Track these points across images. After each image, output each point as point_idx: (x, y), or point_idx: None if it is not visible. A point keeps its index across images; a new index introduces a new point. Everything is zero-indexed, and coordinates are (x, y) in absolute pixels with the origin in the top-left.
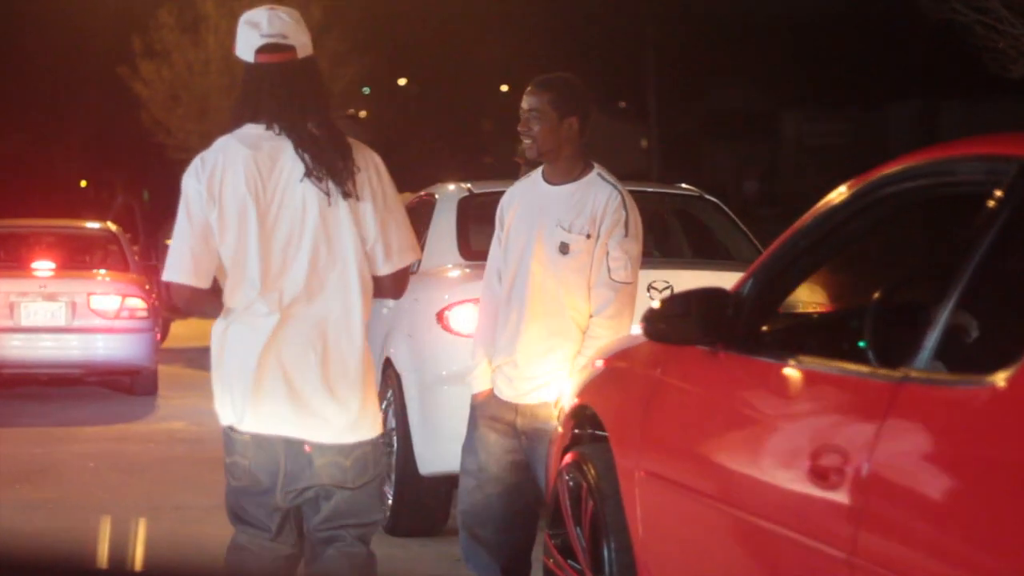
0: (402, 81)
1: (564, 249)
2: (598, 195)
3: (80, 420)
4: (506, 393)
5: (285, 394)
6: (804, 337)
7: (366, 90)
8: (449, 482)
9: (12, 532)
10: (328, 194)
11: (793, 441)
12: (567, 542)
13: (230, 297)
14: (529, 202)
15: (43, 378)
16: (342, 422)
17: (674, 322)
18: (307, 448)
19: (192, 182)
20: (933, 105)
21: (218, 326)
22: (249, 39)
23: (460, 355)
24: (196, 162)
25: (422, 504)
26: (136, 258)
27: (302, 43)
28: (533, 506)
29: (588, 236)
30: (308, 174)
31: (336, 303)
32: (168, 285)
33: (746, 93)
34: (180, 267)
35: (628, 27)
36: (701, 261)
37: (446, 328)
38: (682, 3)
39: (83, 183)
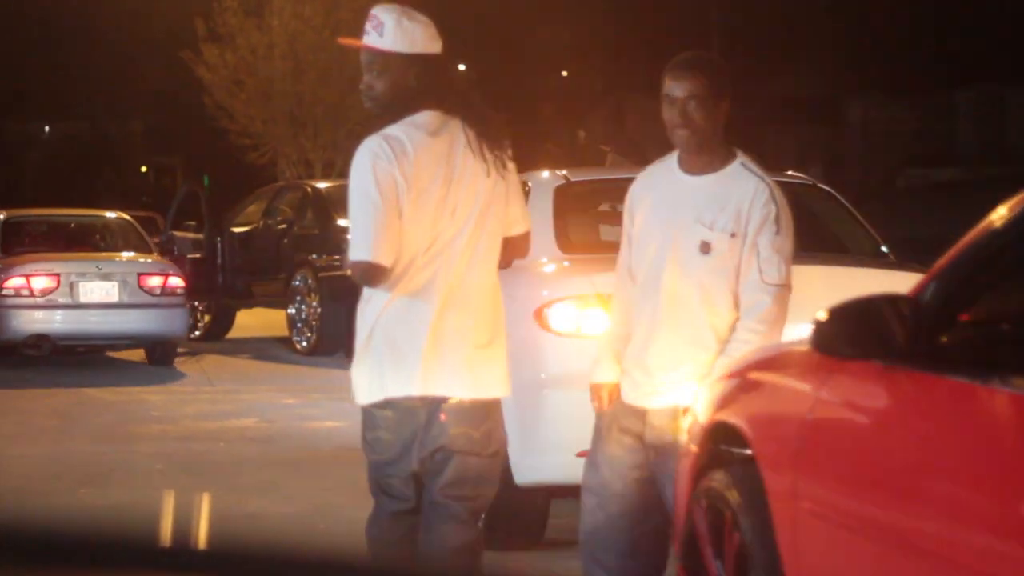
0: (460, 67)
1: (705, 249)
2: (743, 187)
3: (146, 417)
4: (631, 396)
5: (446, 356)
6: (1002, 352)
7: None
8: (546, 493)
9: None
10: (490, 167)
11: (996, 478)
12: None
13: (398, 273)
14: (664, 194)
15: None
16: (489, 379)
17: (843, 333)
18: (443, 416)
19: (382, 164)
20: (1000, 90)
21: (373, 304)
22: (435, 33)
23: (560, 356)
24: (376, 145)
25: (517, 516)
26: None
27: None
28: (662, 530)
29: (733, 234)
30: (476, 151)
31: (486, 269)
32: (358, 265)
33: (810, 78)
34: (374, 247)
35: (690, 11)
36: (822, 256)
37: (544, 327)
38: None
39: (143, 168)
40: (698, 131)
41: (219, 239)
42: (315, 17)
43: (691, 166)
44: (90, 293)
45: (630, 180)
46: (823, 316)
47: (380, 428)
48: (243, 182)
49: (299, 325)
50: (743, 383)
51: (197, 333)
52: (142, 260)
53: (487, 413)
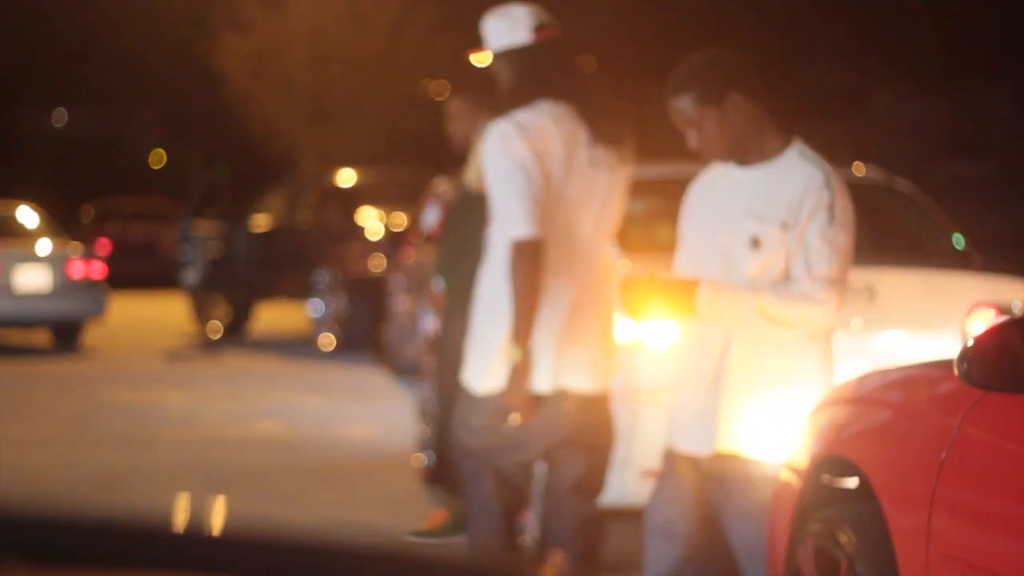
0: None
1: (755, 243)
2: (797, 175)
3: (165, 420)
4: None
5: (579, 348)
6: None
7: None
8: (616, 517)
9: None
10: (610, 159)
11: None
12: None
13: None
14: (716, 192)
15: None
16: (606, 369)
17: (982, 362)
18: (569, 405)
19: (518, 145)
20: None
21: (494, 292)
22: (521, 23)
23: (627, 367)
24: (510, 128)
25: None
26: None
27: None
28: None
29: (784, 226)
30: (596, 141)
31: (605, 258)
32: (520, 244)
33: (836, 70)
34: (529, 221)
35: (715, 5)
36: (906, 259)
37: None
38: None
39: (159, 153)
40: (716, 145)
41: (240, 232)
42: (338, 7)
43: (743, 159)
44: (22, 279)
45: (695, 175)
46: (969, 342)
47: (497, 416)
48: (262, 173)
49: (323, 322)
50: (859, 412)
51: (216, 328)
52: (71, 247)
53: (606, 403)
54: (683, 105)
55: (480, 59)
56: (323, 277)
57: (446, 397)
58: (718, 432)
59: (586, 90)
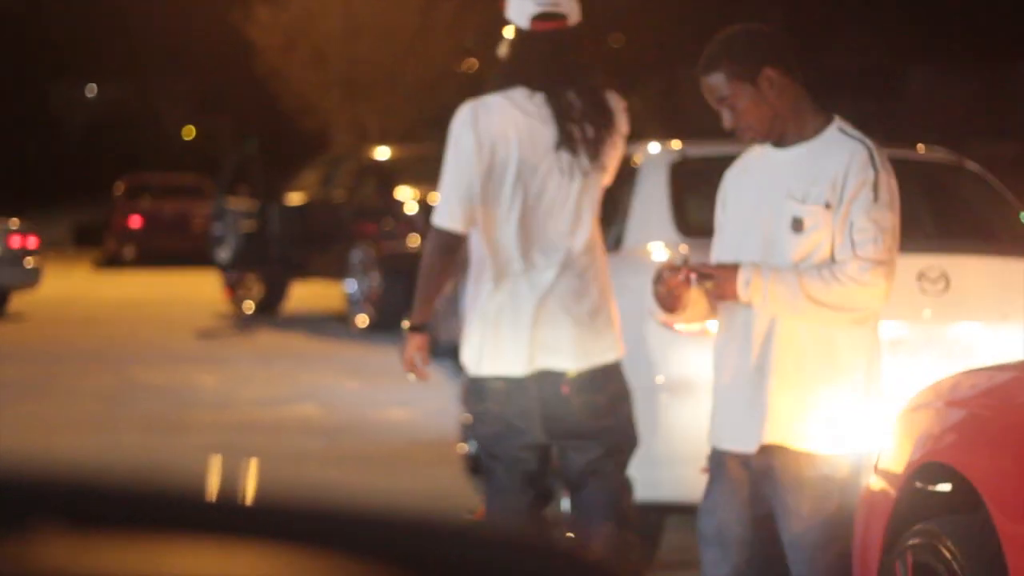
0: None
1: (798, 226)
2: (838, 153)
3: (199, 402)
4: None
5: (553, 328)
6: None
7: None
8: (661, 513)
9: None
10: (580, 164)
11: None
12: None
13: (498, 256)
14: (754, 175)
15: None
16: (597, 346)
17: None
18: (564, 389)
19: (467, 132)
20: None
21: (485, 285)
22: (524, 5)
23: (682, 357)
24: (468, 112)
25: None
26: None
27: (573, 10)
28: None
29: (827, 206)
30: (563, 144)
31: (588, 258)
32: (436, 230)
33: (869, 48)
34: (450, 213)
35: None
36: (980, 245)
37: (664, 323)
38: None
39: (190, 128)
40: (754, 124)
41: (273, 208)
42: None
43: (782, 138)
44: None
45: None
46: None
47: (488, 400)
48: (295, 148)
49: (358, 301)
50: (961, 415)
51: (249, 306)
52: (11, 221)
53: (607, 378)
54: (715, 82)
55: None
56: (358, 254)
57: None
58: (764, 424)
59: (561, 92)
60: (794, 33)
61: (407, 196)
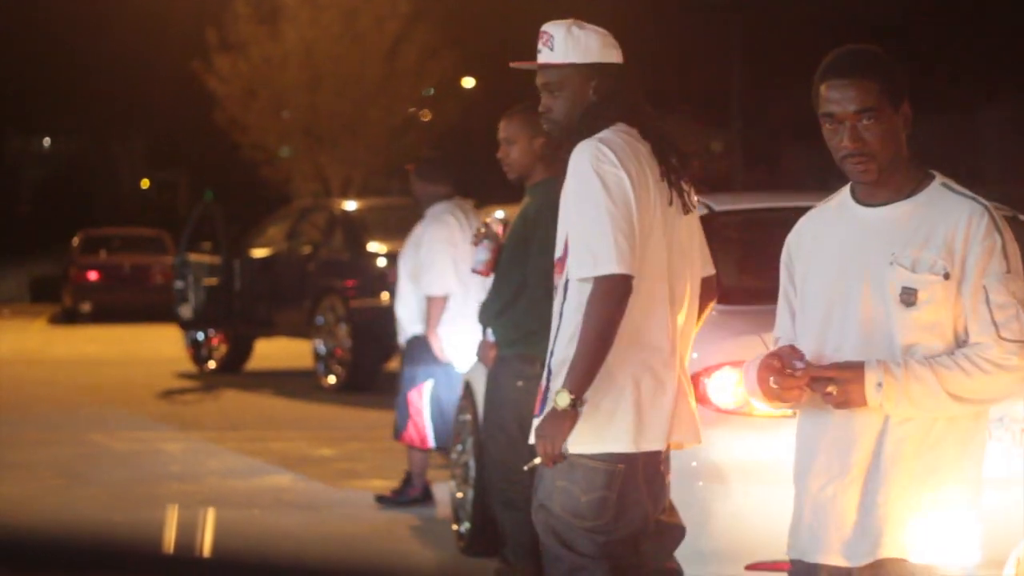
0: (469, 82)
1: (909, 298)
2: (953, 213)
3: (164, 473)
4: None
5: (678, 406)
6: None
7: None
8: None
9: None
10: (687, 202)
11: None
12: None
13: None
14: (839, 237)
15: None
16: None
17: None
18: (662, 467)
19: (615, 169)
20: None
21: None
22: (613, 42)
23: (721, 439)
24: (604, 150)
25: None
26: None
27: None
28: None
29: (947, 276)
30: (667, 177)
31: (694, 306)
32: (608, 280)
33: None
34: (624, 257)
35: (710, 27)
36: None
37: (702, 401)
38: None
39: (146, 181)
40: (878, 155)
41: (237, 263)
42: (333, 25)
43: (873, 195)
44: None
45: (792, 210)
46: None
47: (604, 488)
48: (256, 199)
49: (326, 359)
50: None
51: (212, 365)
52: None
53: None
54: (862, 91)
55: (544, 66)
56: (326, 310)
57: (491, 458)
58: (880, 536)
59: (656, 123)
60: (754, 80)
61: (377, 249)
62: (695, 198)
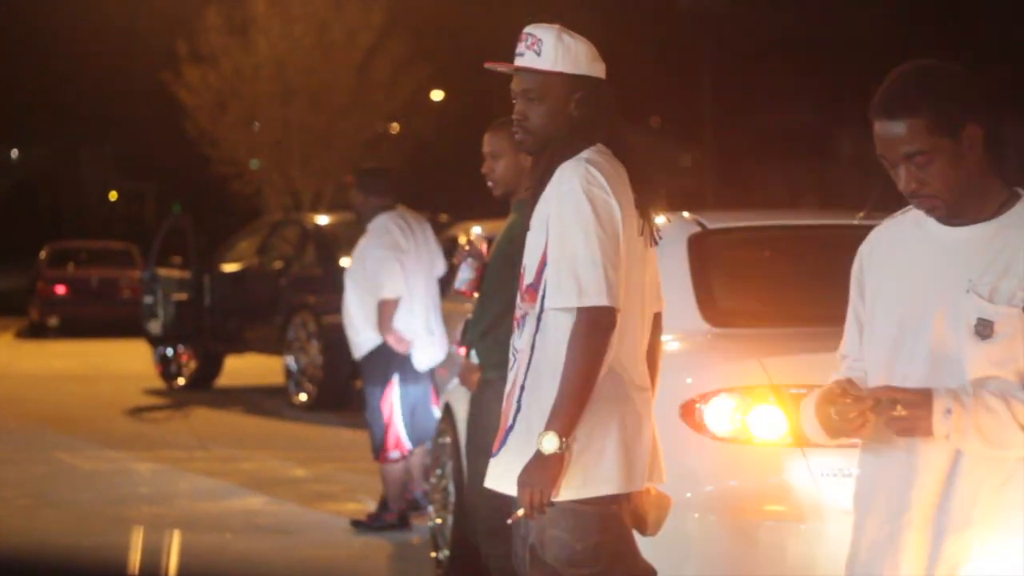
0: (438, 95)
1: (985, 330)
2: None
3: (133, 494)
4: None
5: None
6: None
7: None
8: None
9: None
10: (652, 229)
11: None
12: None
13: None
14: (913, 256)
15: None
16: None
17: None
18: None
19: (604, 194)
20: (996, 125)
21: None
22: (593, 53)
23: (719, 469)
24: (594, 173)
25: None
26: None
27: None
28: None
29: None
30: (640, 207)
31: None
32: (595, 312)
33: (798, 111)
34: (612, 289)
35: (680, 44)
36: None
37: (697, 428)
38: (735, 20)
39: (114, 193)
40: (942, 192)
41: (207, 278)
42: (305, 37)
43: (954, 213)
44: None
45: (789, 228)
46: None
47: (599, 532)
48: (226, 212)
49: (298, 376)
50: None
51: (182, 381)
52: None
53: None
54: (904, 132)
55: (526, 71)
56: (298, 326)
57: (474, 484)
58: None
59: (630, 143)
60: (715, 95)
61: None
62: (659, 232)
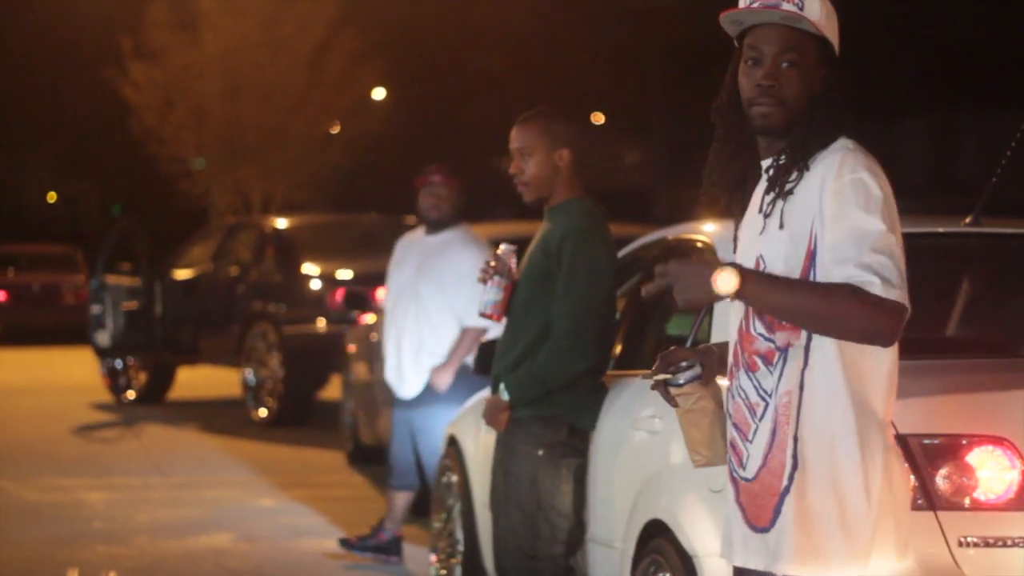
0: (379, 94)
1: None
2: None
3: (86, 530)
4: None
5: None
6: None
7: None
8: None
9: None
10: None
11: None
12: None
13: None
14: None
15: None
16: None
17: None
18: None
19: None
20: (951, 119)
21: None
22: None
23: None
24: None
25: None
26: None
27: None
28: None
29: None
30: None
31: None
32: (899, 308)
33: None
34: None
35: (626, 39)
36: None
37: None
38: (686, 14)
39: (52, 195)
40: None
41: (159, 285)
42: (254, 33)
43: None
44: None
45: None
46: None
47: None
48: (172, 214)
49: (256, 390)
50: None
51: (132, 395)
52: None
53: None
54: None
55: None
56: (256, 337)
57: (507, 542)
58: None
59: None
60: (676, 94)
61: (312, 271)
62: None
